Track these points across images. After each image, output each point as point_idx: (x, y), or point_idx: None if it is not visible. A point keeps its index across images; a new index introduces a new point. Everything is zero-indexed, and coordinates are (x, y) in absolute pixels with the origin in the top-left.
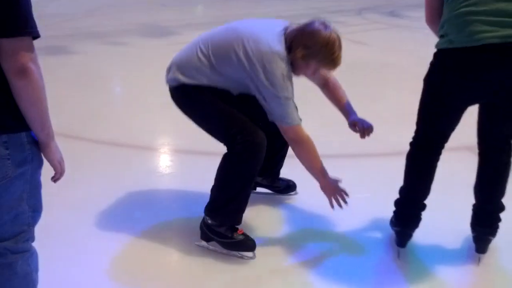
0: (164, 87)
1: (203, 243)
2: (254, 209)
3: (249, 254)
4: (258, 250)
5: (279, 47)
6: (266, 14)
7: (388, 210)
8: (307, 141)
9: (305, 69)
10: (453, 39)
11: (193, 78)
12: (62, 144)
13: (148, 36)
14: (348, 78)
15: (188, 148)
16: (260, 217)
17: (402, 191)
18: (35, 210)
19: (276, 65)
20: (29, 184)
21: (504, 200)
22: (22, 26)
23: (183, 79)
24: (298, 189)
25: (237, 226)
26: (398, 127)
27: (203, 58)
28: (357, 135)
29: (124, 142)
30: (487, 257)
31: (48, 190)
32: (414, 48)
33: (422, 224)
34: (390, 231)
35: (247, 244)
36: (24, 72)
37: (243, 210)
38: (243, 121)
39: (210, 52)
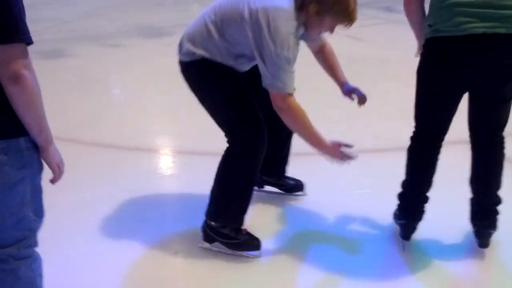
0: (162, 88)
1: (206, 245)
2: (260, 208)
3: (255, 253)
4: (264, 248)
5: (287, 5)
6: None
7: (389, 205)
8: (295, 109)
9: (319, 26)
10: (439, 28)
11: (204, 49)
12: (61, 148)
13: (145, 37)
14: (345, 74)
15: (189, 149)
16: (265, 216)
17: (404, 184)
18: (37, 215)
19: (281, 23)
20: (30, 189)
21: (503, 194)
22: (14, 33)
23: (194, 49)
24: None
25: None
26: (397, 122)
27: (211, 26)
28: (355, 132)
29: (124, 145)
30: (489, 251)
31: (50, 194)
32: (411, 43)
33: (425, 217)
34: (393, 226)
35: (253, 244)
36: (17, 78)
37: (245, 212)
38: (249, 117)
39: (218, 18)
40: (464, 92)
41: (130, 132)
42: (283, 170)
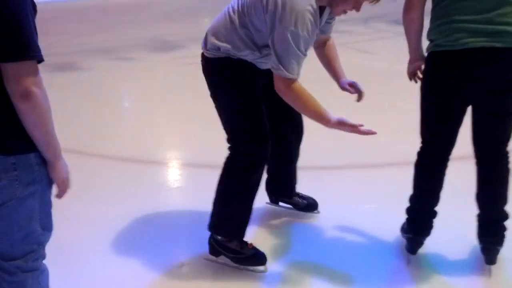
0: (171, 99)
1: (212, 257)
2: (267, 222)
3: (261, 268)
4: (269, 262)
5: None
6: None
7: (397, 220)
8: (295, 93)
9: (344, 3)
10: (440, 43)
11: (228, 42)
12: (71, 160)
13: (155, 51)
14: None
15: (197, 161)
16: (272, 230)
17: (412, 199)
18: (46, 229)
19: (300, 2)
20: (39, 204)
21: (509, 208)
22: (25, 51)
23: (218, 43)
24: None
25: (247, 241)
26: (404, 136)
27: (234, 16)
28: (362, 145)
29: (132, 157)
30: (496, 268)
31: (58, 206)
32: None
33: (431, 232)
34: (399, 240)
35: (258, 259)
36: (27, 95)
37: (245, 224)
38: (254, 130)
39: (240, 7)
40: (466, 106)
41: (139, 145)
42: (293, 188)
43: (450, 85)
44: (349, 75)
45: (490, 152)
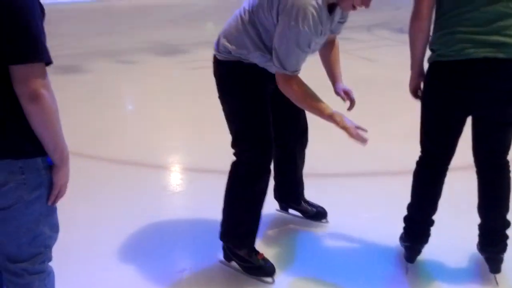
0: (175, 103)
1: (225, 261)
2: (276, 231)
3: (268, 279)
4: (277, 274)
5: None
6: None
7: (397, 228)
8: (294, 89)
9: None
10: (443, 53)
11: (239, 46)
12: (74, 163)
13: (159, 54)
14: (356, 94)
15: (199, 166)
16: (280, 239)
17: (410, 208)
18: (52, 231)
19: (305, 3)
20: (46, 207)
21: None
22: (33, 53)
23: (229, 47)
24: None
25: (258, 250)
26: (407, 144)
27: (244, 16)
28: (364, 153)
29: (136, 161)
30: (501, 276)
31: (63, 209)
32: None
33: (430, 241)
34: (399, 249)
35: (266, 270)
36: (36, 97)
37: (254, 233)
38: (257, 137)
39: (250, 7)
40: (467, 115)
41: (142, 148)
42: (300, 194)
43: (453, 94)
44: (351, 83)
45: (492, 161)
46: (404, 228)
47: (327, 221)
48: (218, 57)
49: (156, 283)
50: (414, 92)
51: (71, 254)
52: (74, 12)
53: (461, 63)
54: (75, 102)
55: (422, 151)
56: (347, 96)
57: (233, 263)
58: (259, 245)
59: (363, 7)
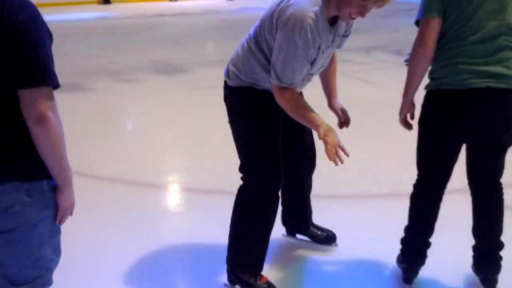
0: (176, 123)
1: (228, 284)
2: (283, 256)
3: None
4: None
5: (312, 6)
6: None
7: (395, 250)
8: (288, 101)
9: (348, 5)
10: (445, 82)
11: (247, 74)
12: (76, 182)
13: (161, 74)
14: (354, 116)
15: (200, 186)
16: (288, 264)
17: (407, 230)
18: (54, 255)
19: (300, 6)
20: (50, 230)
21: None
22: (41, 77)
23: (239, 74)
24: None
25: (262, 274)
26: (404, 167)
27: (250, 42)
28: (362, 176)
29: (137, 180)
30: None
31: (61, 229)
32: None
33: (427, 263)
34: (396, 270)
35: None
36: (42, 120)
37: (261, 259)
38: (266, 163)
39: (256, 31)
40: (465, 142)
41: (143, 168)
42: (308, 219)
43: (454, 123)
44: (350, 104)
45: (486, 185)
46: (401, 250)
47: (336, 245)
48: (229, 83)
49: None
50: (405, 120)
51: (68, 275)
52: (76, 30)
53: (463, 92)
54: (76, 120)
55: (419, 175)
56: (343, 114)
57: (237, 287)
58: (266, 269)
59: (360, 17)
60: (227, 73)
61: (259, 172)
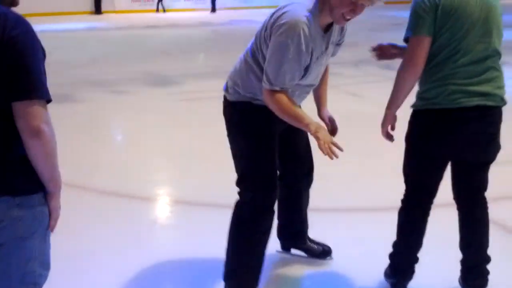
0: (165, 135)
1: None
2: (278, 271)
3: None
4: None
5: (305, 12)
6: None
7: (384, 264)
8: (277, 104)
9: (340, 5)
10: (437, 101)
11: (244, 84)
12: (64, 194)
13: (151, 85)
14: (343, 130)
15: (190, 199)
16: (285, 279)
17: (395, 245)
18: (43, 269)
19: (293, 11)
20: (39, 244)
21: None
22: (34, 91)
23: (238, 90)
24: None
25: None
26: (393, 181)
27: (247, 56)
28: (352, 190)
29: (126, 193)
30: None
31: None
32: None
33: (414, 276)
34: (384, 285)
35: None
36: (36, 133)
37: (256, 275)
38: (264, 178)
39: (253, 45)
40: (454, 158)
41: (133, 180)
42: (305, 233)
43: (443, 140)
44: (339, 117)
45: (472, 199)
46: (390, 265)
47: (331, 258)
48: (228, 98)
49: None
50: (387, 132)
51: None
52: (67, 40)
53: (454, 110)
54: (66, 132)
55: (406, 190)
56: (331, 123)
57: None
58: (262, 284)
59: (353, 15)
60: (226, 88)
61: (255, 186)
